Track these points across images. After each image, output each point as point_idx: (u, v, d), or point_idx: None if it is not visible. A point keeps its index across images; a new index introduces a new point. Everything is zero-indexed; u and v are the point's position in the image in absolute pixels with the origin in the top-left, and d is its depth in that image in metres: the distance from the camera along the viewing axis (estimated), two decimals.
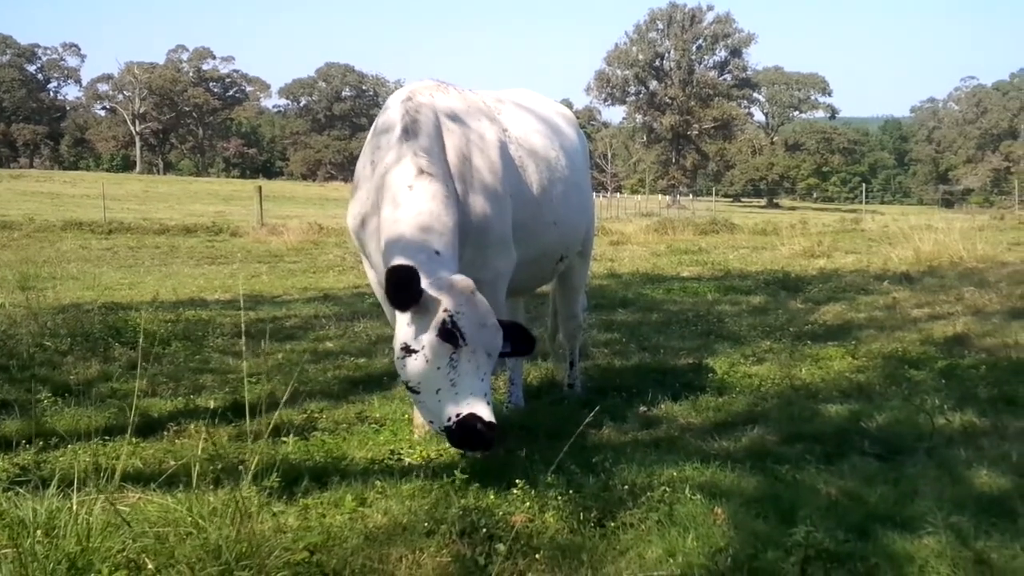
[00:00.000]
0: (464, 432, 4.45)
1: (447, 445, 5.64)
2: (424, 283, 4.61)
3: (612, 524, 4.24)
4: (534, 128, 6.28)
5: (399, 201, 5.06)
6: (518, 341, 4.93)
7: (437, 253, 4.88)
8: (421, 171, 5.09)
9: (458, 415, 4.46)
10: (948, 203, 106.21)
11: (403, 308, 4.66)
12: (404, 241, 4.94)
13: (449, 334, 4.53)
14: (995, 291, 12.26)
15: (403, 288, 4.54)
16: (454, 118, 5.53)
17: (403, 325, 4.71)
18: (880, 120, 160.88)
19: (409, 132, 5.25)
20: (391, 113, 5.46)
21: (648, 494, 4.52)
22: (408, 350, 4.66)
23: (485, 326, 4.62)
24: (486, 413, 4.44)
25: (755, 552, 3.83)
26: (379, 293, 5.79)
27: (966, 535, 4.01)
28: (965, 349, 8.55)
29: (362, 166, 5.65)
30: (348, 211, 5.81)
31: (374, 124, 5.72)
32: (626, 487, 4.67)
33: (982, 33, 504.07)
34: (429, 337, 4.57)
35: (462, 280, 4.72)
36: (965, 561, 3.80)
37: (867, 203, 65.50)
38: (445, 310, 4.54)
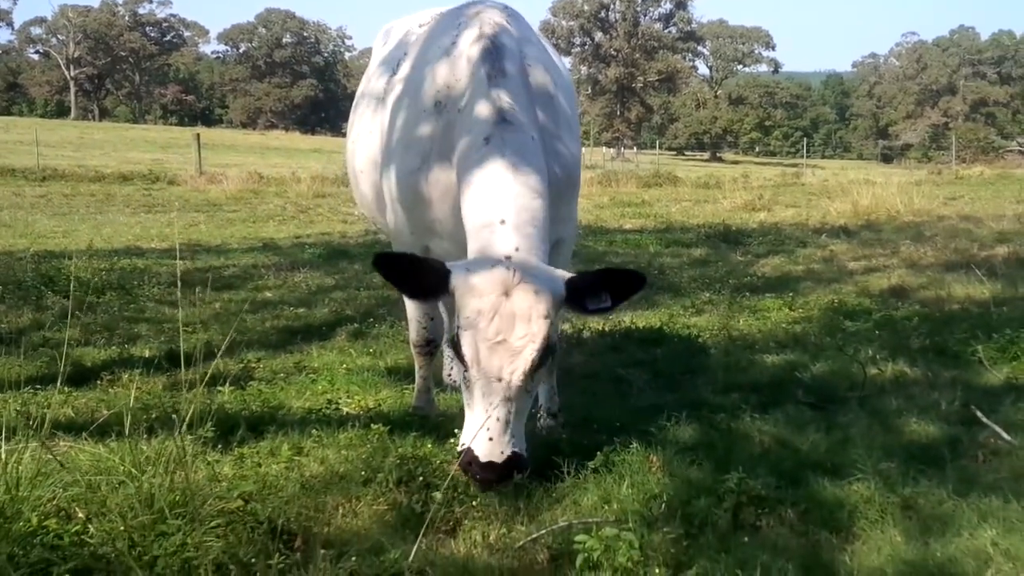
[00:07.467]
0: (465, 470, 3.83)
1: (385, 394, 5.63)
2: (465, 265, 3.87)
3: (549, 472, 4.26)
4: (562, 66, 5.25)
5: (473, 159, 4.13)
6: (618, 286, 3.96)
7: (502, 222, 3.93)
8: (503, 119, 4.13)
9: (461, 446, 3.87)
10: (887, 158, 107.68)
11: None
12: (476, 208, 4.06)
13: (457, 350, 3.86)
14: (930, 244, 12.49)
15: (395, 278, 3.97)
16: (532, 52, 4.65)
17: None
18: (822, 75, 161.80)
19: (494, 62, 4.30)
20: (463, 41, 4.47)
21: (584, 442, 4.54)
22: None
23: (503, 342, 3.71)
24: (483, 452, 3.73)
25: (688, 498, 3.87)
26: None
27: (894, 481, 4.09)
28: (900, 301, 8.70)
29: (413, 97, 4.64)
30: (392, 161, 4.71)
31: (431, 41, 4.78)
32: (564, 435, 4.70)
33: None
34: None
35: (494, 276, 3.75)
36: (893, 506, 3.88)
37: (808, 158, 66.02)
38: (457, 323, 3.82)
